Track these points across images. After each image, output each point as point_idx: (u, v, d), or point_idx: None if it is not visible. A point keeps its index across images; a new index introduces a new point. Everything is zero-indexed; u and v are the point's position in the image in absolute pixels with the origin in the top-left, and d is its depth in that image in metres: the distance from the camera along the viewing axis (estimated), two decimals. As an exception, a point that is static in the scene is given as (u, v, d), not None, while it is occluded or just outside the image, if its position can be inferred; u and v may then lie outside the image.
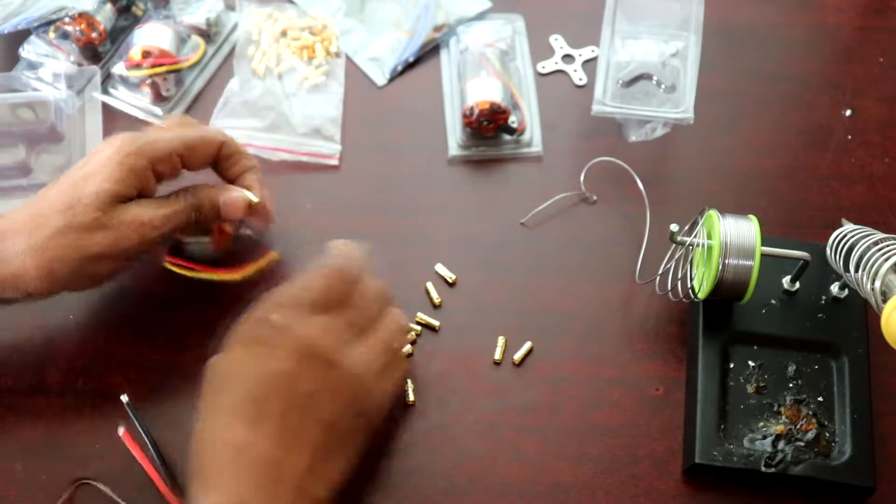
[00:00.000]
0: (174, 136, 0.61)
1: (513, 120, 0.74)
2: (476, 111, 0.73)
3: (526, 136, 0.75)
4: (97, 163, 0.58)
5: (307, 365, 0.53)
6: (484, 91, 0.73)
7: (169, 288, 0.66)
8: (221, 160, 0.64)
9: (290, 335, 0.53)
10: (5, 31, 0.75)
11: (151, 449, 0.59)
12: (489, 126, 0.73)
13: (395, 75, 0.79)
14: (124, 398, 0.61)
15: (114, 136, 0.60)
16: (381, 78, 0.79)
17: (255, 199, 0.63)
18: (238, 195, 0.62)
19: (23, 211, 0.58)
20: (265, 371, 0.52)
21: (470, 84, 0.75)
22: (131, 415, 0.60)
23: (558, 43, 0.82)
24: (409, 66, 0.80)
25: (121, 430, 0.59)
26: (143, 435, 0.60)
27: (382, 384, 0.57)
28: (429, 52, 0.81)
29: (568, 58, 0.81)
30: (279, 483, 0.49)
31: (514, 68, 0.79)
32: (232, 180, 0.64)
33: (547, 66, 0.81)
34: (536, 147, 0.75)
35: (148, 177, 0.59)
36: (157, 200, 0.60)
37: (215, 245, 0.66)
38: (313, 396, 0.52)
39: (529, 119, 0.76)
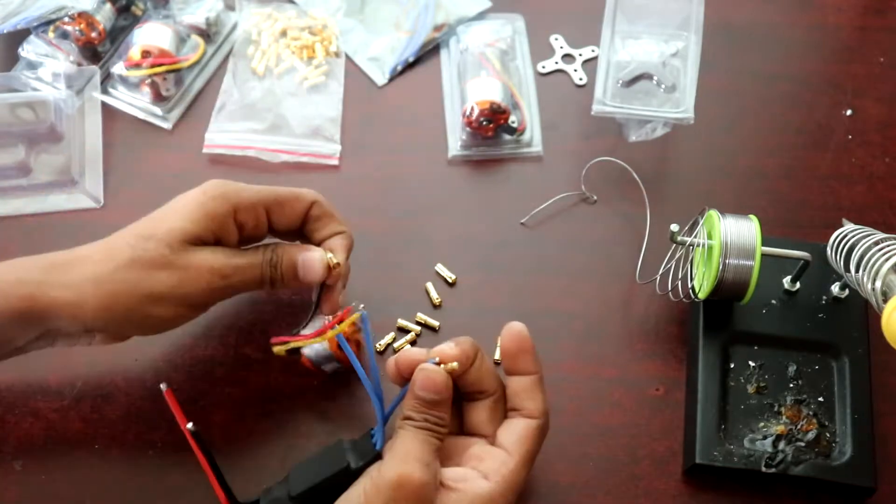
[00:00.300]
0: (264, 188, 0.59)
1: (513, 120, 0.74)
2: (476, 111, 0.73)
3: (526, 136, 0.75)
4: (179, 202, 0.57)
5: None
6: (484, 91, 0.73)
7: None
8: (310, 221, 0.60)
9: None
10: (5, 31, 0.75)
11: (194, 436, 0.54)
12: (489, 126, 0.73)
13: (395, 75, 0.79)
14: (163, 386, 0.55)
15: (208, 181, 0.58)
16: (381, 78, 0.79)
17: (335, 260, 0.59)
18: (318, 255, 0.58)
19: (97, 242, 0.56)
20: None
21: (470, 84, 0.75)
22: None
23: (558, 43, 0.82)
24: (409, 66, 0.80)
25: (163, 387, 0.54)
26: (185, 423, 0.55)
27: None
28: (429, 52, 0.81)
29: (568, 57, 0.81)
30: None
31: (514, 68, 0.79)
32: (318, 244, 0.61)
33: (547, 65, 0.81)
34: (536, 147, 0.75)
35: (227, 224, 0.57)
36: (233, 250, 0.57)
37: (335, 353, 0.59)
38: None
39: (529, 119, 0.76)
